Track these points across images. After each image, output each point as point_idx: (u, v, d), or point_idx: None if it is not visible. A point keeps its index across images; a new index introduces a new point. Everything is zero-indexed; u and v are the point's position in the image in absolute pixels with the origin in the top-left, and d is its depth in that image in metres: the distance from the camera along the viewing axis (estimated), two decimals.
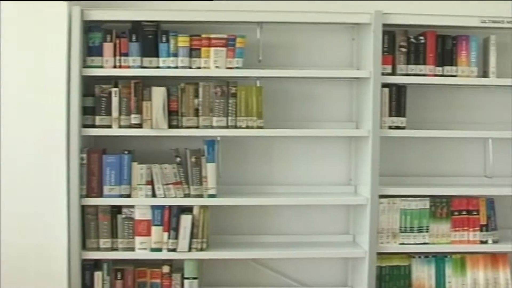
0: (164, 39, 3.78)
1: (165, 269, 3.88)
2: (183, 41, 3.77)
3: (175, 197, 3.80)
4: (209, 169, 3.81)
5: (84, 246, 3.79)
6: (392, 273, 3.97)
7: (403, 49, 3.90)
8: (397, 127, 3.90)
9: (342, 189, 4.13)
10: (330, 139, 4.12)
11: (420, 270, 3.99)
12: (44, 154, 3.67)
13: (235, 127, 3.82)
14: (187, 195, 3.81)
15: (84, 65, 3.74)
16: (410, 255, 3.99)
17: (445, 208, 3.95)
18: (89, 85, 3.79)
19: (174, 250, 3.81)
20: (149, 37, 3.78)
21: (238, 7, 3.81)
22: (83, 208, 3.77)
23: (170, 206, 3.80)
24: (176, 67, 3.78)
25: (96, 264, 3.85)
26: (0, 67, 3.63)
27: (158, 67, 3.79)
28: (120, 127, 3.78)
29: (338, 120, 4.12)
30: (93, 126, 3.78)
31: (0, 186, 3.65)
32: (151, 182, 3.79)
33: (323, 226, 4.15)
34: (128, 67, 3.78)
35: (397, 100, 3.90)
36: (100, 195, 3.78)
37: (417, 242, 3.94)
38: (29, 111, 3.65)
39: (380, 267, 3.94)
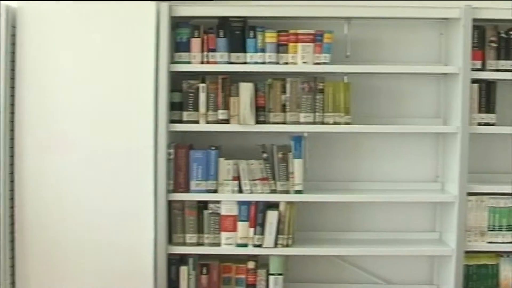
0: (251, 34, 3.77)
1: (251, 264, 3.88)
2: (270, 37, 3.76)
3: (262, 193, 3.80)
4: (296, 165, 3.79)
5: (170, 241, 3.81)
6: (480, 272, 3.91)
7: (493, 44, 3.82)
8: (487, 124, 3.83)
9: (429, 186, 4.07)
10: (417, 136, 4.06)
11: (508, 270, 3.91)
12: (132, 150, 3.70)
13: (322, 123, 3.79)
14: (273, 191, 3.80)
15: (172, 61, 3.76)
16: (498, 254, 3.92)
17: None
18: (176, 80, 3.81)
19: (260, 246, 3.81)
20: (237, 33, 3.78)
21: (326, 3, 3.78)
22: (170, 203, 3.79)
23: (257, 202, 3.80)
24: (264, 63, 3.77)
25: (182, 259, 3.87)
26: (90, 65, 3.68)
27: (245, 63, 3.78)
28: (207, 122, 3.78)
29: (425, 116, 4.06)
30: (181, 121, 3.79)
31: (90, 182, 3.71)
32: (237, 178, 3.79)
33: (409, 223, 4.11)
34: (216, 62, 3.78)
35: (487, 96, 3.83)
36: (187, 190, 3.79)
37: (506, 241, 3.86)
38: (118, 107, 3.69)
39: (467, 266, 3.88)
